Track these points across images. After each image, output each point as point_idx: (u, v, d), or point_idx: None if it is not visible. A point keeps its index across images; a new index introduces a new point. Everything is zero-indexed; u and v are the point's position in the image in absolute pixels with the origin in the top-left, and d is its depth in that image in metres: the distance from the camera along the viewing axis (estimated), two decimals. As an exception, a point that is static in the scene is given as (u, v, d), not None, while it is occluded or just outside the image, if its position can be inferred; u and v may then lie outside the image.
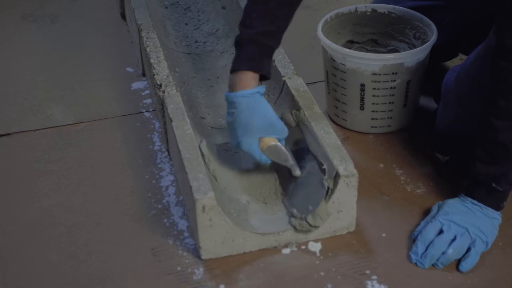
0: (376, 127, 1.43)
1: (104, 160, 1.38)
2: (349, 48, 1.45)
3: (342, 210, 1.16)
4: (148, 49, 1.45)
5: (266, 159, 1.20)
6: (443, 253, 1.12)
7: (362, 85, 1.37)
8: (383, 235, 1.19)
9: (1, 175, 1.36)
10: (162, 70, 1.38)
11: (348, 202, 1.15)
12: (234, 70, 1.20)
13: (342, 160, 1.15)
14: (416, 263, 1.13)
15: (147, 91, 1.59)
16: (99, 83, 1.64)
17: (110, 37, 1.84)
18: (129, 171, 1.35)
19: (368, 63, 1.34)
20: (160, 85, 1.33)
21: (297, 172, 1.21)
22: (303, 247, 1.17)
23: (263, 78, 1.22)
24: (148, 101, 1.56)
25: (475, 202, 1.17)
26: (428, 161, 1.35)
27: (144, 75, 1.64)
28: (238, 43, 1.20)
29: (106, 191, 1.30)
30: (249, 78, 1.18)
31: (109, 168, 1.36)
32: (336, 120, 1.47)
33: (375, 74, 1.35)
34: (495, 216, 1.16)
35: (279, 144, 1.20)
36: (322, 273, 1.12)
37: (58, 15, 1.96)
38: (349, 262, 1.14)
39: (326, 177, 1.15)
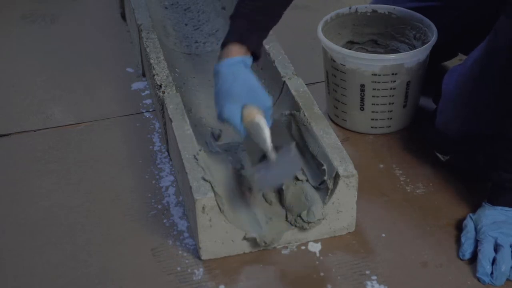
0: (376, 127, 1.43)
1: (104, 160, 1.38)
2: (349, 49, 1.45)
3: (342, 210, 1.16)
4: (148, 50, 1.45)
5: (244, 132, 1.14)
6: (511, 267, 1.10)
7: (362, 86, 1.37)
8: (383, 235, 1.19)
9: (1, 175, 1.36)
10: (162, 71, 1.38)
11: (348, 203, 1.15)
12: (223, 44, 1.19)
13: (342, 161, 1.15)
14: (490, 283, 1.10)
15: (147, 92, 1.59)
16: (99, 83, 1.64)
17: (110, 37, 1.84)
18: (129, 171, 1.35)
19: (368, 63, 1.34)
20: (160, 86, 1.33)
21: (272, 156, 1.13)
22: (303, 247, 1.17)
23: (254, 58, 1.21)
24: (148, 101, 1.56)
25: (506, 208, 1.16)
26: (428, 161, 1.35)
27: (144, 75, 1.64)
28: (231, 19, 1.20)
29: (106, 191, 1.30)
30: (236, 49, 1.17)
31: (109, 168, 1.36)
32: (336, 120, 1.47)
33: (375, 74, 1.35)
34: None
35: (263, 121, 1.13)
36: (321, 274, 1.12)
37: (58, 15, 1.96)
38: (349, 263, 1.14)
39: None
